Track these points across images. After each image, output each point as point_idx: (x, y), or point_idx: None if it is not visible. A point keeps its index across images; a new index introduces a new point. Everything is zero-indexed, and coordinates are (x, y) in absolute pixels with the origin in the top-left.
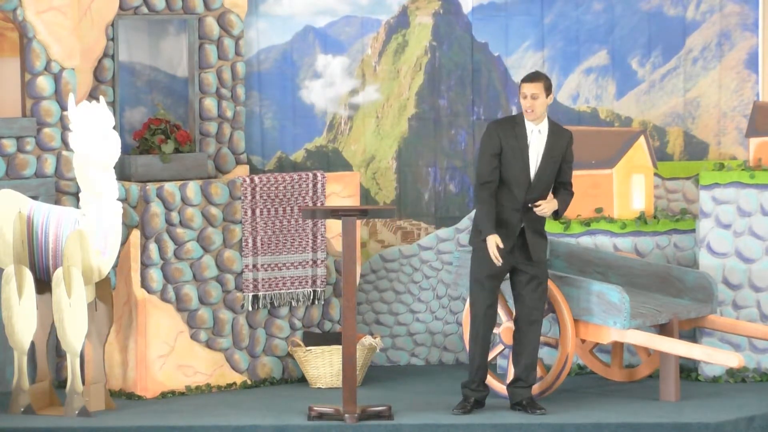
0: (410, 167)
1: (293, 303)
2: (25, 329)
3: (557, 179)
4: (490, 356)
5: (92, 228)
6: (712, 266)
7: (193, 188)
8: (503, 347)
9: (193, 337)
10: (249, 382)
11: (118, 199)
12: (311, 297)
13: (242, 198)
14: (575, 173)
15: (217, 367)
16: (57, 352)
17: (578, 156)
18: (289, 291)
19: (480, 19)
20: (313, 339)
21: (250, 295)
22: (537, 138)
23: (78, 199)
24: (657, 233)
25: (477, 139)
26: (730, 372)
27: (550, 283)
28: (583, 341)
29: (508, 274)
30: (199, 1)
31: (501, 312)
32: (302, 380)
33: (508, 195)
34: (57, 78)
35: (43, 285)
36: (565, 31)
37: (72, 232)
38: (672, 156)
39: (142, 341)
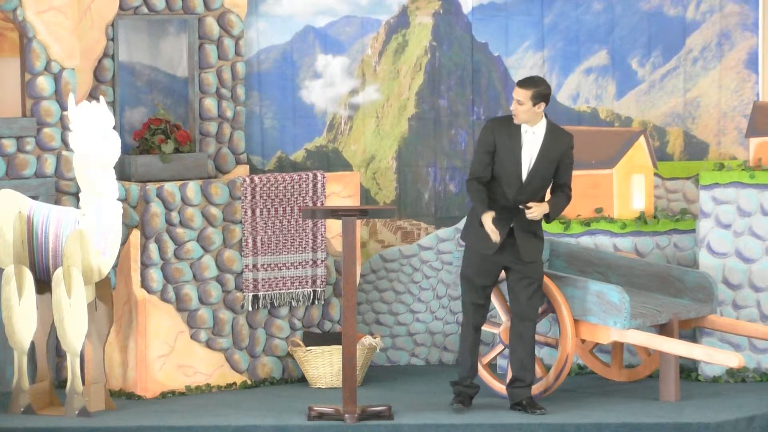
0: (410, 167)
1: (293, 303)
2: (25, 329)
3: (555, 181)
4: (490, 356)
5: (92, 228)
6: (712, 266)
7: (193, 188)
8: (503, 347)
9: (193, 337)
10: (249, 382)
11: (118, 199)
12: (311, 297)
13: (242, 198)
14: (575, 173)
15: (217, 367)
16: (57, 352)
17: (578, 156)
18: (289, 291)
19: (480, 19)
20: (313, 339)
21: (250, 295)
22: (531, 138)
23: (78, 199)
24: (657, 233)
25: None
26: (730, 372)
27: (550, 283)
28: (583, 341)
29: (504, 274)
30: (199, 1)
31: (500, 312)
32: (302, 380)
33: (499, 193)
34: (57, 78)
35: (43, 285)
36: (565, 31)
37: (72, 232)
38: (672, 156)
39: (142, 341)
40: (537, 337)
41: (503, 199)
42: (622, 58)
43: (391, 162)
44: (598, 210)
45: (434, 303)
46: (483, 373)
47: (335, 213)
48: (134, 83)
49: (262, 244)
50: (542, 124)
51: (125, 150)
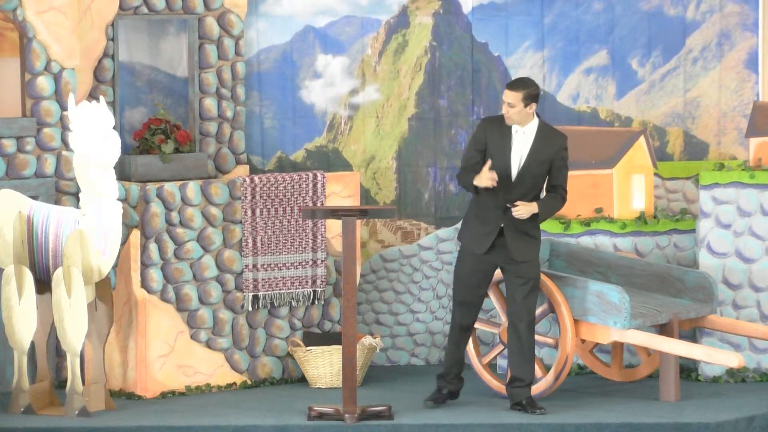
0: (410, 167)
1: (293, 303)
2: (25, 329)
3: (549, 182)
4: (490, 356)
5: (92, 228)
6: (712, 266)
7: (193, 188)
8: (503, 347)
9: (193, 337)
10: (249, 382)
11: (118, 199)
12: (311, 297)
13: (242, 198)
14: (575, 173)
15: (217, 367)
16: (57, 352)
17: (578, 156)
18: (289, 291)
19: (480, 19)
20: (313, 339)
21: (250, 295)
22: (521, 138)
23: (78, 199)
24: (657, 233)
25: None
26: (730, 372)
27: (550, 283)
28: (583, 341)
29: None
30: (199, 1)
31: (500, 312)
32: (302, 380)
33: (490, 193)
34: (57, 78)
35: (43, 285)
36: (565, 31)
37: (72, 232)
38: (672, 156)
39: (142, 341)
40: (537, 337)
41: (494, 199)
42: (622, 58)
43: (391, 162)
44: (598, 210)
45: (434, 303)
46: (483, 373)
47: (335, 213)
48: (134, 83)
49: (262, 244)
50: (533, 124)
51: (125, 150)
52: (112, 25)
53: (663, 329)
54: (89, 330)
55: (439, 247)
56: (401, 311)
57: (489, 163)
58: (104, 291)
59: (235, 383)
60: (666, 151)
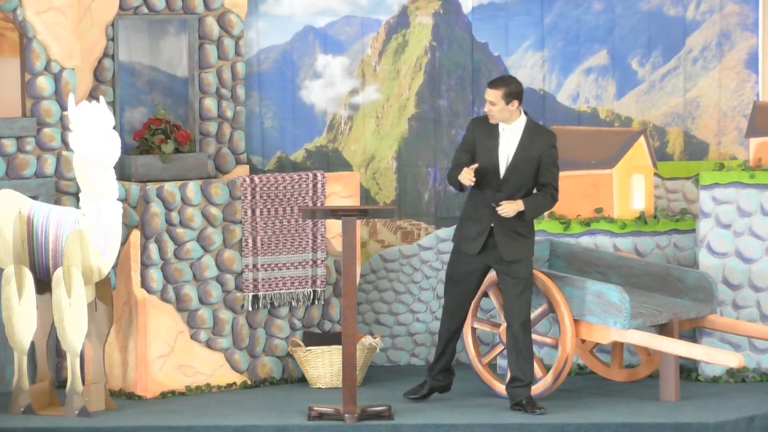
0: (410, 167)
1: (293, 303)
2: (25, 329)
3: (538, 180)
4: (490, 357)
5: (92, 228)
6: (712, 266)
7: (193, 188)
8: (503, 347)
9: (193, 337)
10: (249, 382)
11: (118, 199)
12: (311, 297)
13: (242, 198)
14: (575, 173)
15: (217, 367)
16: (57, 352)
17: (578, 156)
18: (289, 291)
19: (480, 19)
20: (313, 339)
21: (250, 295)
22: (508, 137)
23: (78, 199)
24: (657, 233)
25: None
26: (730, 372)
27: (550, 283)
28: (583, 341)
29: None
30: (199, 1)
31: (500, 312)
32: (302, 380)
33: (480, 193)
34: (57, 78)
35: (43, 285)
36: (565, 31)
37: (72, 232)
38: (672, 156)
39: (142, 341)
40: (537, 337)
41: (484, 199)
42: (622, 58)
43: (391, 162)
44: (598, 210)
45: (434, 303)
46: (483, 373)
47: (335, 213)
48: (134, 83)
49: (262, 244)
50: (520, 123)
51: (125, 150)
52: (112, 25)
53: (663, 329)
54: (89, 330)
55: (439, 247)
56: (401, 311)
57: (475, 165)
58: (104, 291)
59: (235, 383)
60: (666, 151)
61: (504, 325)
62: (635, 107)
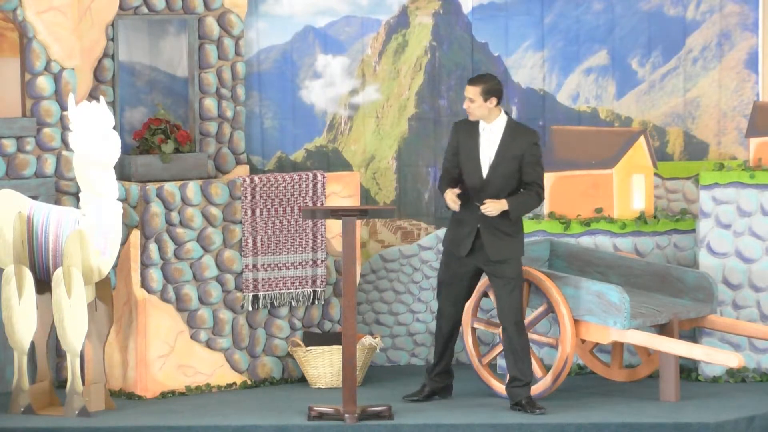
0: (410, 167)
1: (293, 303)
2: (25, 329)
3: (522, 179)
4: (490, 357)
5: (92, 228)
6: (712, 266)
7: (193, 188)
8: (503, 347)
9: (193, 337)
10: (249, 382)
11: (118, 199)
12: (311, 297)
13: (242, 198)
14: (575, 173)
15: (217, 367)
16: (57, 352)
17: (578, 156)
18: (289, 291)
19: (480, 19)
20: (313, 339)
21: (250, 295)
22: (488, 136)
23: (78, 199)
24: (657, 233)
25: None
26: (730, 372)
27: (550, 283)
28: (583, 341)
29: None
30: (199, 1)
31: None
32: (302, 380)
33: (466, 194)
34: (57, 78)
35: (43, 285)
36: (565, 31)
37: (72, 232)
38: (672, 156)
39: (142, 341)
40: (537, 337)
41: (469, 201)
42: (622, 58)
43: (391, 162)
44: (598, 210)
45: (434, 303)
46: (483, 373)
47: (335, 213)
48: (134, 83)
49: (262, 244)
50: (501, 122)
51: (125, 150)
52: (112, 25)
53: (663, 329)
54: (89, 330)
55: (439, 247)
56: (401, 311)
57: (457, 190)
58: (104, 291)
59: (235, 383)
60: (666, 151)
61: None
62: (635, 107)
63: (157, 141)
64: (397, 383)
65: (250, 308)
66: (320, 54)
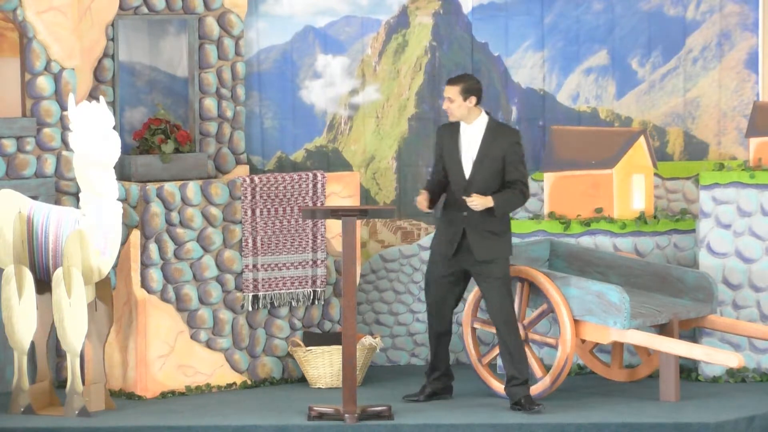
0: (410, 167)
1: (293, 303)
2: (25, 329)
3: (506, 178)
4: (490, 356)
5: (92, 228)
6: (712, 266)
7: (193, 188)
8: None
9: (193, 337)
10: (249, 382)
11: (118, 199)
12: (311, 297)
13: (242, 198)
14: (575, 173)
15: (217, 367)
16: (57, 352)
17: (578, 156)
18: (289, 291)
19: (480, 19)
20: (313, 339)
21: (250, 295)
22: (469, 137)
23: (78, 199)
24: (657, 233)
25: None
26: (730, 372)
27: (550, 283)
28: (583, 341)
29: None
30: (199, 1)
31: None
32: (302, 380)
33: (452, 196)
34: (57, 78)
35: (43, 285)
36: (565, 31)
37: (72, 232)
38: (672, 156)
39: (142, 341)
40: (537, 337)
41: (454, 201)
42: (622, 58)
43: (391, 162)
44: (598, 210)
45: None
46: (483, 373)
47: (335, 213)
48: (134, 83)
49: (262, 244)
50: (481, 122)
51: (125, 150)
52: (112, 25)
53: (663, 329)
54: (89, 330)
55: None
56: (401, 311)
57: (426, 194)
58: (104, 291)
59: (235, 383)
60: (666, 151)
61: None
62: (635, 107)
63: (157, 141)
64: (397, 383)
65: (250, 308)
66: (320, 54)
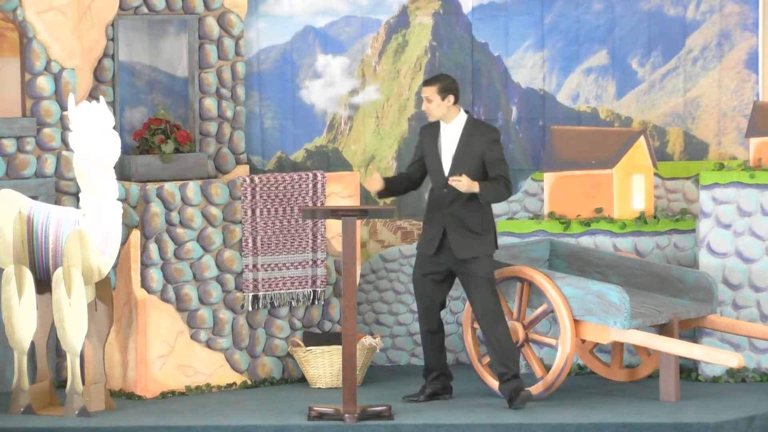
0: None
1: (293, 303)
2: (25, 329)
3: (489, 176)
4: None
5: (92, 228)
6: (712, 266)
7: (193, 188)
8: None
9: (193, 337)
10: (249, 382)
11: (118, 199)
12: (311, 297)
13: (242, 198)
14: (575, 173)
15: (217, 367)
16: (57, 352)
17: (578, 156)
18: (289, 291)
19: (480, 19)
20: (313, 339)
21: (250, 295)
22: (448, 136)
23: (78, 199)
24: (657, 233)
25: None
26: (730, 372)
27: (550, 283)
28: (583, 341)
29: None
30: (199, 1)
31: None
32: (302, 380)
33: (433, 196)
34: (57, 78)
35: (43, 285)
36: (565, 31)
37: (72, 232)
38: (672, 156)
39: (142, 341)
40: (537, 337)
41: (436, 201)
42: (622, 58)
43: (391, 162)
44: (598, 210)
45: None
46: (483, 373)
47: (335, 213)
48: (134, 83)
49: (262, 244)
50: (460, 121)
51: (125, 150)
52: (112, 25)
53: (663, 329)
54: (89, 330)
55: None
56: (401, 311)
57: (377, 176)
58: (104, 291)
59: (235, 383)
60: (666, 151)
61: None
62: (635, 107)
63: (157, 141)
64: (397, 383)
65: (250, 308)
66: (320, 54)
